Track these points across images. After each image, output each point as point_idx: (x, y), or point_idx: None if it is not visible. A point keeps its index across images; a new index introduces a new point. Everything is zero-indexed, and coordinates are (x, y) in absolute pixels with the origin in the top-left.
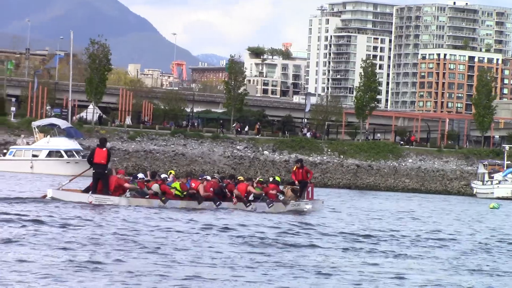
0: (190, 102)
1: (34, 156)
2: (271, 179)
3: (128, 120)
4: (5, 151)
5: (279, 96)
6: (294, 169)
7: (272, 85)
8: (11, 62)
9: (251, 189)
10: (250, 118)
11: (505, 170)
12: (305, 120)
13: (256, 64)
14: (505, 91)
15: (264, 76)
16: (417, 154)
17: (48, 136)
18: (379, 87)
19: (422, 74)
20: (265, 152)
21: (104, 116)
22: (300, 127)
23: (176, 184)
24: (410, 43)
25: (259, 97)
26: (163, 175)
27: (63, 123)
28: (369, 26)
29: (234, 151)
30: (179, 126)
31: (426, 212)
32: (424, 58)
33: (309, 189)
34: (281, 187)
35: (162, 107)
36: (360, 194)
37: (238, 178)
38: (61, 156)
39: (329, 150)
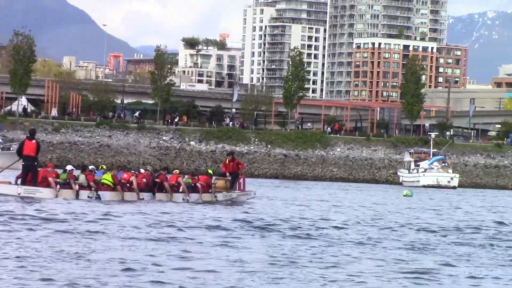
0: (120, 94)
1: None
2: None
3: (54, 112)
4: None
5: (213, 87)
6: (226, 161)
7: (207, 76)
8: None
9: (181, 180)
10: (180, 108)
11: (431, 158)
12: (234, 110)
13: (191, 55)
14: (440, 79)
15: (199, 67)
16: (345, 143)
17: None
18: (314, 77)
19: (357, 63)
20: (192, 142)
21: (33, 108)
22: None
23: (108, 176)
24: (344, 32)
25: (189, 87)
26: (91, 167)
27: None
28: (304, 16)
29: (160, 142)
30: (105, 118)
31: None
32: (358, 47)
33: (241, 180)
34: (213, 179)
35: (91, 98)
36: (288, 184)
37: (174, 171)
38: None
39: (256, 140)
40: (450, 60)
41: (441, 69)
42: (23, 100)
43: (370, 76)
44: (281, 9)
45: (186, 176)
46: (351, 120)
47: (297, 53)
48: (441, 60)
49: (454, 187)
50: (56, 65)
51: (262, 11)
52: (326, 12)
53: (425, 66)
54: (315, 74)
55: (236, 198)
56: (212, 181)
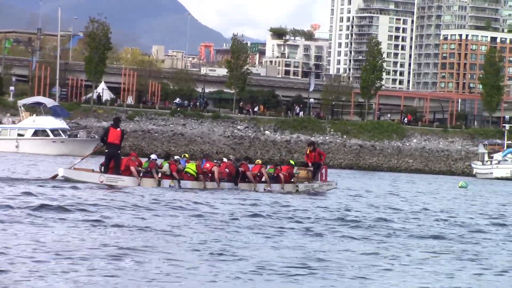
0: (201, 83)
1: (19, 135)
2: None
3: (129, 100)
4: None
5: (300, 78)
6: (307, 151)
7: (294, 66)
8: (9, 41)
9: (263, 171)
10: (260, 98)
11: (504, 150)
12: (312, 100)
13: (278, 45)
14: None
15: (286, 57)
16: (422, 134)
17: (34, 115)
18: (401, 68)
19: (444, 55)
20: (266, 132)
21: (112, 96)
22: (293, 106)
23: (192, 165)
24: (432, 23)
25: (270, 77)
26: (176, 157)
27: (49, 102)
28: (391, 7)
29: (235, 131)
30: (181, 106)
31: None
32: (446, 39)
33: (323, 171)
34: (294, 170)
35: (171, 87)
36: (364, 175)
37: (256, 161)
38: (47, 135)
39: (332, 130)
40: None
41: None
42: (103, 88)
43: (457, 67)
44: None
45: (268, 166)
46: (431, 112)
47: (375, 43)
48: None
49: None
50: (141, 54)
51: (349, 1)
52: (414, 3)
53: (505, 57)
54: (402, 65)
55: (318, 188)
56: (294, 171)
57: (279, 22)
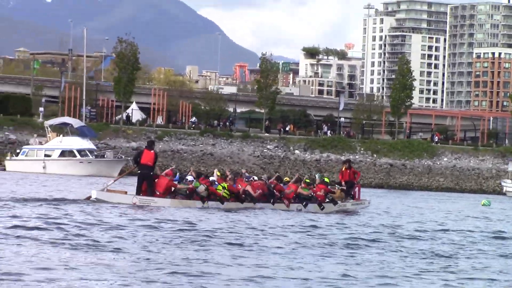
0: (233, 102)
1: (46, 156)
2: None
3: (159, 120)
4: (18, 151)
5: (334, 97)
6: (342, 169)
7: (328, 86)
8: (37, 62)
9: (300, 191)
10: (291, 117)
11: None
12: (342, 119)
13: (311, 65)
14: None
15: (320, 76)
16: (453, 152)
17: (61, 135)
18: (435, 87)
19: (477, 73)
20: (296, 151)
21: (144, 116)
22: (322, 125)
23: (224, 185)
24: (464, 42)
25: (302, 96)
26: (211, 178)
27: (76, 122)
28: (424, 25)
29: (264, 150)
30: (211, 126)
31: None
32: (478, 57)
33: (356, 189)
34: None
35: (203, 107)
36: (395, 194)
37: (285, 179)
38: (74, 155)
39: (362, 149)
40: None
41: None
42: (132, 108)
43: (491, 86)
44: (401, 18)
45: (303, 185)
46: (462, 130)
47: (405, 61)
48: None
49: None
50: (174, 75)
51: (382, 20)
52: (446, 22)
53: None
54: (435, 84)
55: (351, 207)
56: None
57: (314, 42)
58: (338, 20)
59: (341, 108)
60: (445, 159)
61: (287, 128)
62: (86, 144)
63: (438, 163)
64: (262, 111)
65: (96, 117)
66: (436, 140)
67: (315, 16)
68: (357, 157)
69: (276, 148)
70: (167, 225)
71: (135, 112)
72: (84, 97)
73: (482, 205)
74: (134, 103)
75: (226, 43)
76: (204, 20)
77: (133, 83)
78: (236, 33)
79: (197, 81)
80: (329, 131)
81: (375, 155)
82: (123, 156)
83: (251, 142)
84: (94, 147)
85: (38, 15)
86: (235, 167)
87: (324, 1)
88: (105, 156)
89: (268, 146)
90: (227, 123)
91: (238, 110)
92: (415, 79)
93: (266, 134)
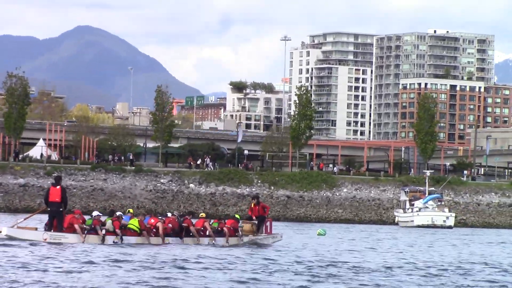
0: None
1: None
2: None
3: (53, 156)
4: None
5: (261, 131)
6: (251, 205)
7: (255, 120)
8: None
9: (207, 225)
10: (199, 151)
11: (426, 196)
12: (246, 151)
13: (239, 99)
14: (489, 119)
15: (247, 110)
16: (353, 183)
17: None
18: (362, 119)
19: (404, 104)
20: (191, 185)
21: (51, 153)
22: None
23: (134, 221)
24: (391, 73)
25: (209, 130)
26: (118, 213)
27: None
28: (350, 57)
29: (158, 184)
30: (105, 161)
31: None
32: (405, 88)
33: (267, 223)
34: (239, 223)
35: (109, 142)
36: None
37: (200, 214)
38: None
39: (259, 181)
40: (498, 100)
41: (489, 109)
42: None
43: (417, 117)
44: (327, 50)
45: (212, 221)
46: (372, 161)
47: (304, 91)
48: (489, 100)
49: (450, 227)
50: (85, 110)
51: (308, 53)
52: (372, 53)
53: (437, 102)
54: (362, 116)
55: (263, 240)
56: (239, 225)
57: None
58: (278, 54)
59: (239, 140)
60: (345, 190)
61: (198, 162)
62: None
63: (337, 194)
64: (175, 145)
65: None
66: (334, 171)
67: (254, 52)
68: (253, 189)
69: (170, 182)
70: None
71: (42, 149)
72: None
73: (318, 234)
74: (41, 140)
75: (169, 80)
76: (145, 57)
77: (24, 118)
78: (178, 70)
79: (127, 118)
80: (210, 163)
81: (272, 187)
82: None
83: (144, 177)
84: None
85: None
86: (126, 202)
87: (268, 38)
88: None
89: (162, 180)
90: (124, 158)
91: (151, 145)
92: (315, 109)
93: (162, 168)
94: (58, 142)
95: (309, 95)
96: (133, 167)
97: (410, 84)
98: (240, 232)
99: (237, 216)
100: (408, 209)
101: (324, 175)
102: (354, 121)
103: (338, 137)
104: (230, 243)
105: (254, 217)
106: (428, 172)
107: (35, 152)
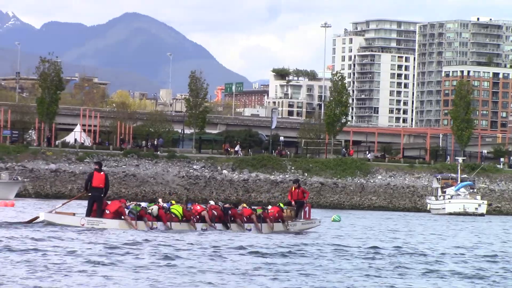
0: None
1: None
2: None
3: (87, 141)
4: None
5: (304, 118)
6: (291, 188)
7: (298, 107)
8: None
9: (254, 217)
10: (237, 138)
11: (457, 184)
12: (282, 137)
13: (281, 86)
14: None
15: (290, 97)
16: (388, 170)
17: None
18: (405, 106)
19: (446, 91)
20: (224, 171)
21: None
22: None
23: (179, 207)
24: (433, 60)
25: (250, 116)
26: (165, 204)
27: None
28: (393, 44)
29: (190, 171)
30: (139, 147)
31: None
32: (447, 75)
33: (306, 209)
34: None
35: (147, 128)
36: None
37: (242, 205)
38: None
39: (292, 168)
40: None
41: None
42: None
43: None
44: (370, 38)
45: (255, 208)
46: (407, 148)
47: (340, 77)
48: None
49: (482, 214)
50: (127, 96)
51: (351, 40)
52: (415, 41)
53: (473, 90)
54: (405, 103)
55: (301, 226)
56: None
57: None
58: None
59: (273, 126)
60: (379, 177)
61: (236, 148)
62: None
63: (371, 181)
64: (213, 131)
65: (18, 139)
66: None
67: (302, 39)
68: (287, 176)
69: (203, 168)
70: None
71: (78, 135)
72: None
73: (332, 220)
74: (78, 125)
75: (215, 67)
76: (193, 45)
77: (56, 103)
78: (225, 57)
79: (170, 105)
80: (239, 150)
81: (306, 174)
82: (19, 178)
83: (177, 163)
84: None
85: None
86: (158, 188)
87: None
88: (0, 177)
89: (195, 166)
90: (154, 144)
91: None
92: (351, 96)
93: (195, 154)
94: (92, 128)
95: (344, 81)
96: (163, 153)
97: (452, 71)
98: (286, 221)
99: (281, 205)
100: (440, 196)
101: (358, 162)
102: (396, 109)
103: (381, 124)
104: (274, 229)
105: (293, 202)
106: (460, 159)
107: (71, 138)
